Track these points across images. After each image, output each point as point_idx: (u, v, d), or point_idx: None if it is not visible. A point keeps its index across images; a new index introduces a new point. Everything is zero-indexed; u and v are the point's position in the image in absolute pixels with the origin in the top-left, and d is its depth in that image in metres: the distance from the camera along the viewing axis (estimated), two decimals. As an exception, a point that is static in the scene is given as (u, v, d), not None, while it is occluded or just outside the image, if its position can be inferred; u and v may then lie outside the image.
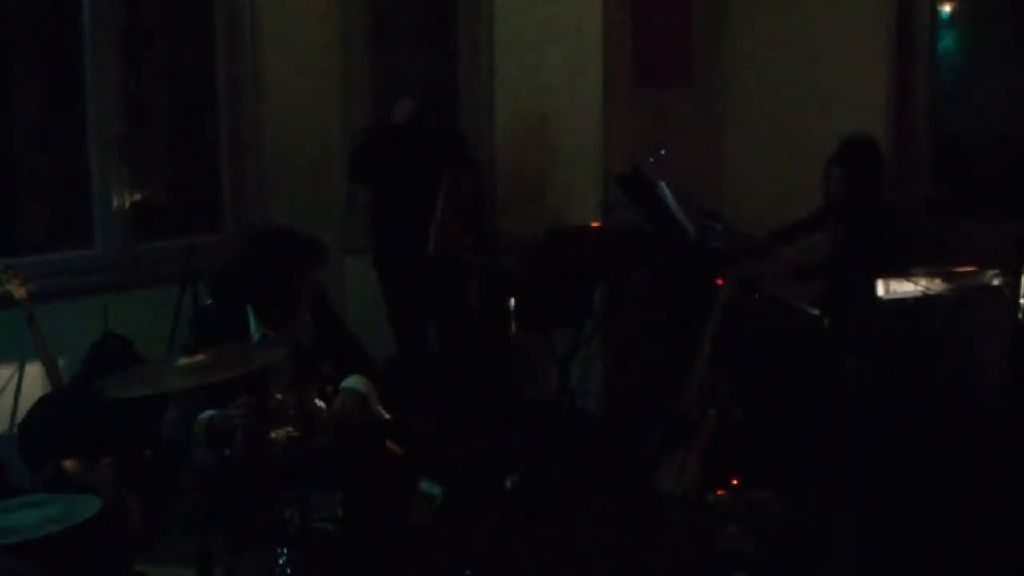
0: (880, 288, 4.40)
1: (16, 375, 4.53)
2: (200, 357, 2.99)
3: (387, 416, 3.63)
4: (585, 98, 5.52)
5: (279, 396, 3.48)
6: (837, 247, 4.97)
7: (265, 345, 3.40)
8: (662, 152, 5.28)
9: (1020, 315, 4.18)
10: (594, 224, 5.42)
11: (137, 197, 5.19)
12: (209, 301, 4.63)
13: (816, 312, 4.79)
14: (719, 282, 4.60)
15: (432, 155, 5.04)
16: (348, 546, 3.31)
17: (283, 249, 3.47)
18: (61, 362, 4.46)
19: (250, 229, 5.28)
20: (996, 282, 4.36)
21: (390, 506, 3.45)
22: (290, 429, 3.42)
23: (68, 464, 3.86)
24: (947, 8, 5.56)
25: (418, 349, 5.28)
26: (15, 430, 4.35)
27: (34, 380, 4.49)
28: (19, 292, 4.23)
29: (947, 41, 5.60)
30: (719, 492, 4.32)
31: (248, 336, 3.50)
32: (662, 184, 4.96)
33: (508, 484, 4.54)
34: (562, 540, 4.15)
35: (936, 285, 4.38)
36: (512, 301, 5.11)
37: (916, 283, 4.35)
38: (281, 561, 3.08)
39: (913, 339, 4.39)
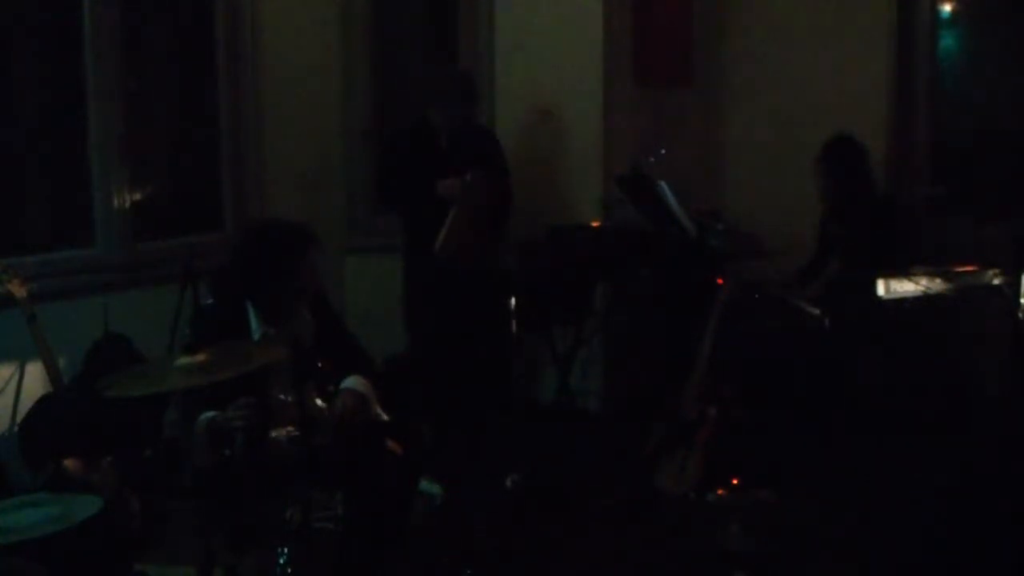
0: (880, 288, 4.41)
1: (16, 375, 4.52)
2: (201, 356, 2.99)
3: (385, 417, 3.63)
4: (585, 98, 5.51)
5: (279, 396, 3.48)
6: (839, 245, 4.99)
7: (266, 344, 3.41)
8: (662, 152, 5.28)
9: (1020, 315, 4.19)
10: (594, 224, 5.42)
11: (137, 197, 5.19)
12: (210, 300, 4.63)
13: (817, 312, 4.79)
14: (719, 282, 4.61)
15: (462, 154, 5.03)
16: (348, 546, 3.32)
17: (276, 235, 3.50)
18: (61, 362, 4.45)
19: (244, 225, 5.29)
20: (996, 282, 4.37)
21: (390, 506, 3.45)
22: (290, 429, 3.41)
23: (68, 464, 3.86)
24: (947, 8, 5.56)
25: (424, 348, 5.27)
26: (15, 430, 4.35)
27: (34, 380, 4.48)
28: (19, 292, 4.22)
29: (947, 41, 5.61)
30: (719, 492, 4.32)
31: (249, 335, 3.50)
32: (662, 183, 4.96)
33: (508, 484, 4.54)
34: (562, 540, 4.15)
35: (936, 285, 4.39)
36: (512, 301, 5.10)
37: (916, 283, 4.36)
38: (281, 561, 3.08)
39: (913, 339, 4.40)
